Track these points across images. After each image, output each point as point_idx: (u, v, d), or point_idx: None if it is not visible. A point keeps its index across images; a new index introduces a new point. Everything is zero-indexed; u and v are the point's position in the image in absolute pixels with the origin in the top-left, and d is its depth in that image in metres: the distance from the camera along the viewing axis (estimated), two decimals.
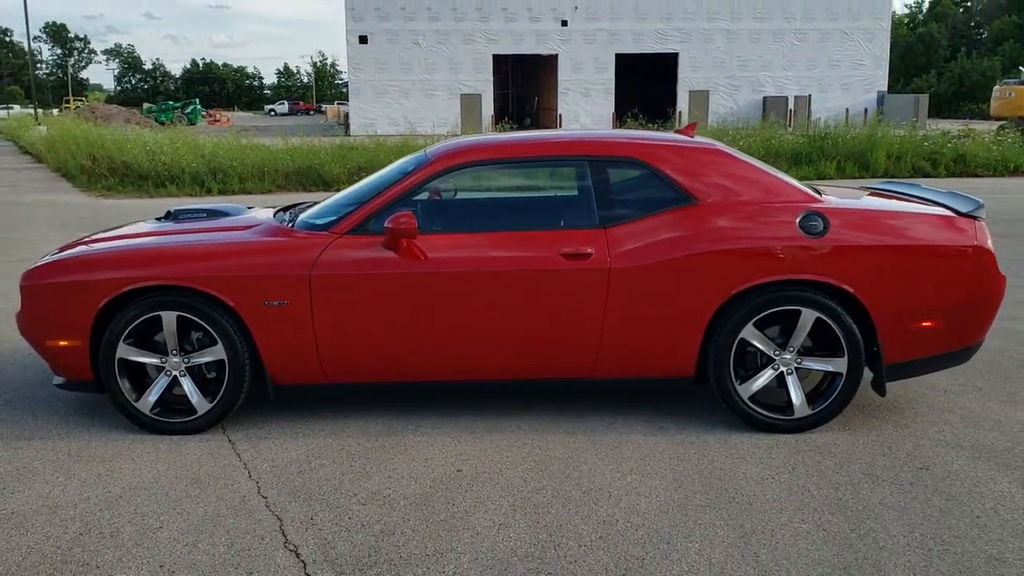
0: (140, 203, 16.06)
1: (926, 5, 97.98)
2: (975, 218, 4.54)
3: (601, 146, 4.66)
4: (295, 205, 5.52)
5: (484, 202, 5.31)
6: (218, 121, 63.09)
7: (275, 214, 5.14)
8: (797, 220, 4.40)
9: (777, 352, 4.50)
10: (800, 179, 18.29)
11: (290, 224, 4.74)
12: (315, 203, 5.28)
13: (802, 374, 4.57)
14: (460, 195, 5.15)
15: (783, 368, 4.51)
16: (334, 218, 4.61)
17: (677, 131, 5.21)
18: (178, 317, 4.47)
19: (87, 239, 5.11)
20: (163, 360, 4.57)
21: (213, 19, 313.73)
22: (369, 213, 4.53)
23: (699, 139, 4.87)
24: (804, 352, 4.54)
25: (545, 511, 3.70)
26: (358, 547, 3.41)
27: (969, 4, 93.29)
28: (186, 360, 4.57)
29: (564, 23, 47.01)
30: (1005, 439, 4.40)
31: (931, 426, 4.59)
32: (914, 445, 4.35)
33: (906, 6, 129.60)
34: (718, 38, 47.64)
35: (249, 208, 5.50)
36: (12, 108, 77.28)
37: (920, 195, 4.97)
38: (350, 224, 4.52)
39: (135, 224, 5.41)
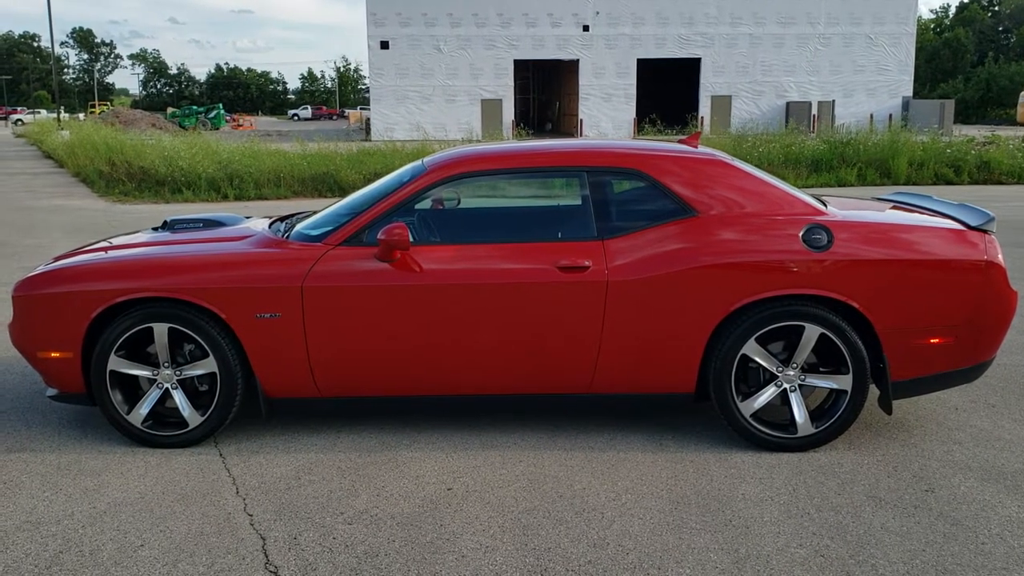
0: (155, 208, 16.11)
1: (953, 10, 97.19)
2: (985, 231, 4.40)
3: (600, 157, 4.56)
4: (292, 215, 5.46)
5: (480, 213, 5.22)
6: (241, 126, 63.51)
7: (271, 224, 5.08)
8: (800, 233, 4.29)
9: (780, 368, 4.38)
10: (820, 186, 18.16)
11: (285, 235, 4.67)
12: (313, 213, 5.21)
13: (806, 391, 4.44)
14: (458, 206, 5.07)
15: (786, 385, 4.39)
16: (328, 229, 4.54)
17: (680, 141, 5.09)
18: (170, 329, 4.41)
19: (82, 249, 5.06)
20: (155, 372, 4.52)
21: (237, 24, 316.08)
22: (363, 224, 4.45)
23: (702, 149, 4.76)
24: (808, 369, 4.42)
25: (535, 533, 3.60)
26: (339, 569, 3.33)
27: (997, 9, 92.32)
28: (178, 372, 4.51)
29: (586, 28, 46.90)
30: (1016, 460, 4.26)
31: (939, 446, 4.46)
32: (920, 466, 4.21)
33: (932, 11, 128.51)
34: (741, 43, 47.37)
35: (247, 218, 5.44)
36: (39, 112, 78.10)
37: (930, 207, 4.84)
38: (344, 235, 4.44)
39: (131, 234, 5.36)
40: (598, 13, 46.65)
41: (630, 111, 47.72)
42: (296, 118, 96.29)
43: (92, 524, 3.72)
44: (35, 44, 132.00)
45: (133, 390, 4.60)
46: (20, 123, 67.70)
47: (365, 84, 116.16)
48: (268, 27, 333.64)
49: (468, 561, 3.38)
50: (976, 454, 4.35)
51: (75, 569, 3.35)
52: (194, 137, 24.10)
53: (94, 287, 4.41)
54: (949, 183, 19.10)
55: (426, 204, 5.00)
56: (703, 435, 4.62)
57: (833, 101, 47.31)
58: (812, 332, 4.28)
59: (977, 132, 28.70)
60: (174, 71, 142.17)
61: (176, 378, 4.51)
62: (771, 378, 4.41)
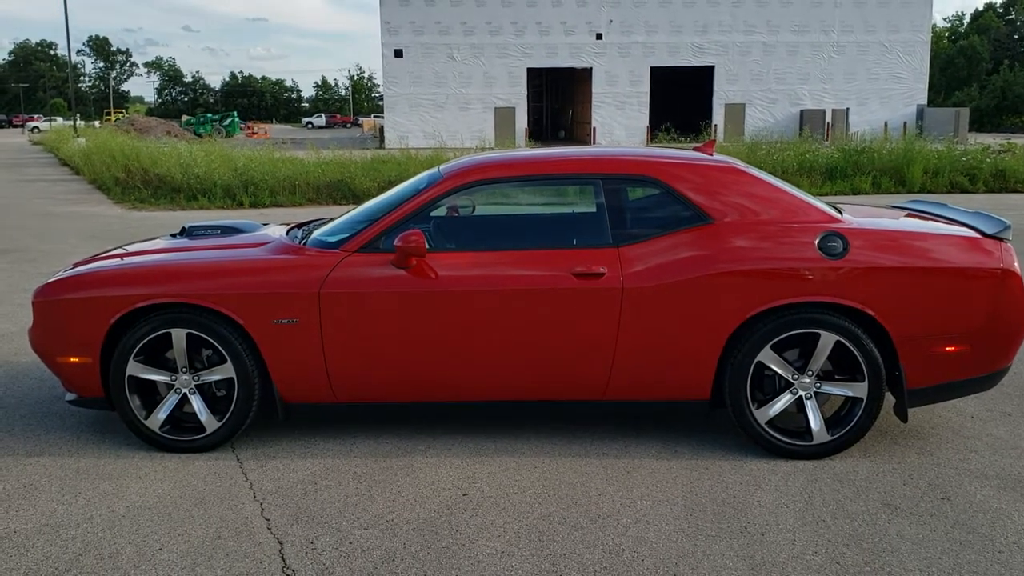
0: (171, 215, 16.20)
1: (968, 18, 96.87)
2: (1001, 239, 4.40)
3: (615, 164, 4.58)
4: (310, 222, 5.49)
5: (496, 220, 5.24)
6: (256, 134, 63.75)
7: (288, 231, 5.11)
8: (816, 241, 4.29)
9: (795, 376, 4.38)
10: (834, 194, 18.09)
11: (302, 242, 4.71)
12: (330, 220, 5.25)
13: (821, 399, 4.44)
14: (473, 213, 5.09)
15: (801, 392, 4.39)
16: (345, 236, 4.57)
17: (695, 148, 5.11)
18: (188, 335, 4.44)
19: (101, 255, 5.11)
20: (173, 378, 4.55)
21: (251, 32, 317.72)
22: (380, 231, 4.48)
23: (717, 157, 4.77)
24: (823, 376, 4.42)
25: (550, 539, 3.61)
26: (356, 573, 3.35)
27: (1012, 16, 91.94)
28: (196, 378, 4.54)
29: (599, 36, 46.95)
30: None
31: (955, 454, 4.45)
32: (936, 474, 4.20)
33: (946, 19, 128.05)
34: (755, 51, 47.31)
35: (264, 224, 5.48)
36: (55, 120, 78.67)
37: (945, 215, 4.84)
38: (360, 242, 4.47)
39: (150, 240, 5.41)
40: (611, 21, 46.70)
41: (643, 119, 47.70)
42: (310, 126, 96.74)
43: (111, 528, 3.75)
44: (52, 52, 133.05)
45: (151, 395, 4.63)
46: (37, 131, 68.16)
47: (379, 92, 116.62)
48: (282, 35, 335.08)
49: (484, 566, 3.39)
50: (992, 462, 4.34)
51: (94, 572, 3.38)
52: (210, 144, 24.22)
53: (113, 293, 4.45)
54: (964, 191, 19.02)
55: (442, 211, 5.02)
56: (718, 442, 4.63)
57: (847, 109, 47.18)
58: (827, 339, 4.28)
59: (992, 140, 28.56)
60: (189, 79, 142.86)
61: (194, 383, 4.55)
62: (786, 385, 4.42)
